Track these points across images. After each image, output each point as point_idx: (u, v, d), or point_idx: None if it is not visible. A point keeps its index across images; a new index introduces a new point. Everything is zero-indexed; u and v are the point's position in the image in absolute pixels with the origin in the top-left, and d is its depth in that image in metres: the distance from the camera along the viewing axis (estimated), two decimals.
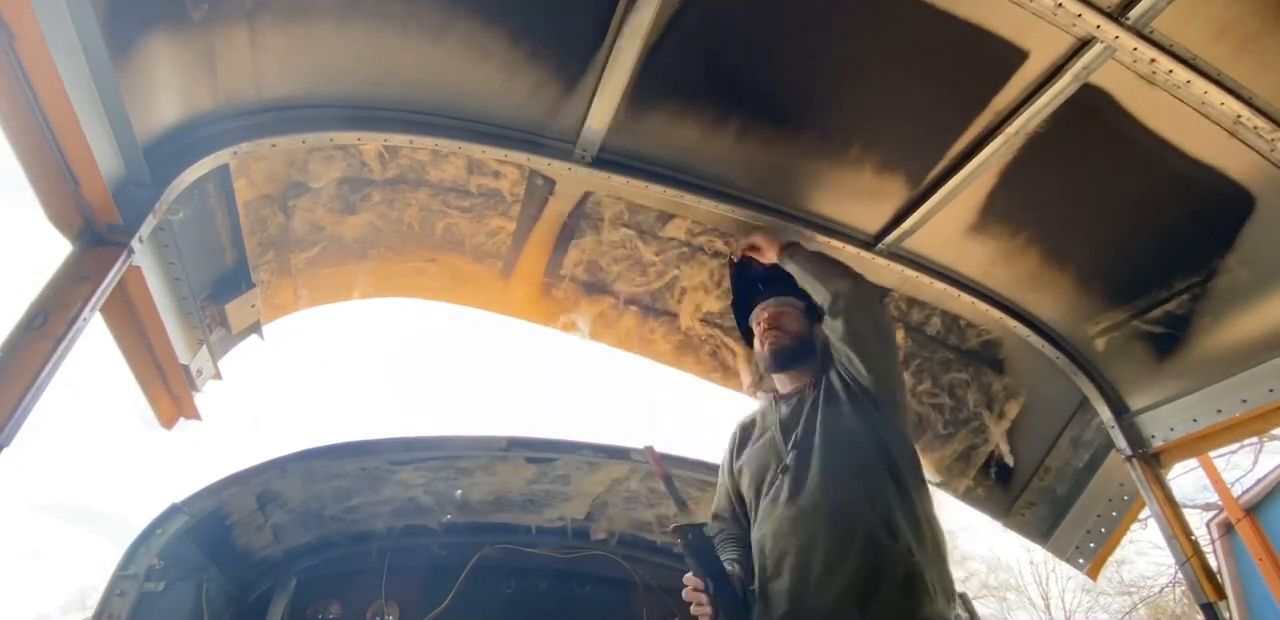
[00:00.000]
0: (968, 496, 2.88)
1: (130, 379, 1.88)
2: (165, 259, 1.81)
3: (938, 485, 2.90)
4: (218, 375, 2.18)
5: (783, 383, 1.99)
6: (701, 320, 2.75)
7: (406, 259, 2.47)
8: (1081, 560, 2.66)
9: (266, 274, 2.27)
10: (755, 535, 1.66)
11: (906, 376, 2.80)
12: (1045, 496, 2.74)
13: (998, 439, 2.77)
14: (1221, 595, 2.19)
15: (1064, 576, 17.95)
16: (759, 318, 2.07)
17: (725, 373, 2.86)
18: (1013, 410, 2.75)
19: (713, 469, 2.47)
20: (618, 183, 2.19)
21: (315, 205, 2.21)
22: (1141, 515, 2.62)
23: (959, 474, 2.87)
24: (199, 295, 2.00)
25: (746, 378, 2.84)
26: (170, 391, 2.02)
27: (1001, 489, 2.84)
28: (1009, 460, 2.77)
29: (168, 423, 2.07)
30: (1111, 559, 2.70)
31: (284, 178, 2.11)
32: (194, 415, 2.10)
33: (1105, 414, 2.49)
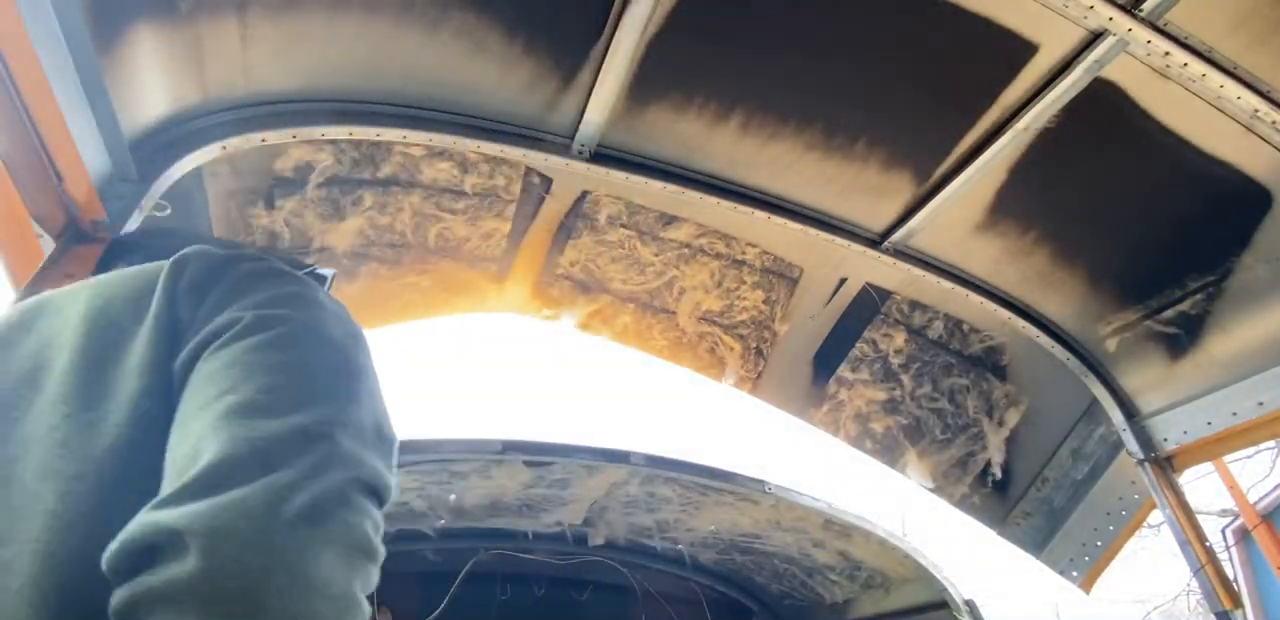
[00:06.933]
0: (963, 504, 2.83)
1: None
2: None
3: (933, 491, 2.85)
4: None
5: None
6: (700, 318, 2.71)
7: (398, 274, 2.42)
8: (1075, 573, 2.61)
9: None
10: None
11: (906, 379, 2.76)
12: (1042, 507, 2.69)
13: (996, 447, 2.72)
14: (1238, 603, 2.13)
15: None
16: None
17: (723, 369, 2.82)
18: (1013, 418, 2.70)
19: (714, 474, 2.42)
20: (617, 179, 2.14)
21: (304, 208, 2.16)
22: (1154, 521, 2.57)
23: (955, 481, 2.83)
24: None
25: (742, 375, 2.80)
26: None
27: (998, 498, 2.79)
28: (1006, 469, 2.72)
29: None
30: (1124, 567, 2.65)
31: (270, 172, 2.06)
32: None
33: (1116, 417, 2.43)
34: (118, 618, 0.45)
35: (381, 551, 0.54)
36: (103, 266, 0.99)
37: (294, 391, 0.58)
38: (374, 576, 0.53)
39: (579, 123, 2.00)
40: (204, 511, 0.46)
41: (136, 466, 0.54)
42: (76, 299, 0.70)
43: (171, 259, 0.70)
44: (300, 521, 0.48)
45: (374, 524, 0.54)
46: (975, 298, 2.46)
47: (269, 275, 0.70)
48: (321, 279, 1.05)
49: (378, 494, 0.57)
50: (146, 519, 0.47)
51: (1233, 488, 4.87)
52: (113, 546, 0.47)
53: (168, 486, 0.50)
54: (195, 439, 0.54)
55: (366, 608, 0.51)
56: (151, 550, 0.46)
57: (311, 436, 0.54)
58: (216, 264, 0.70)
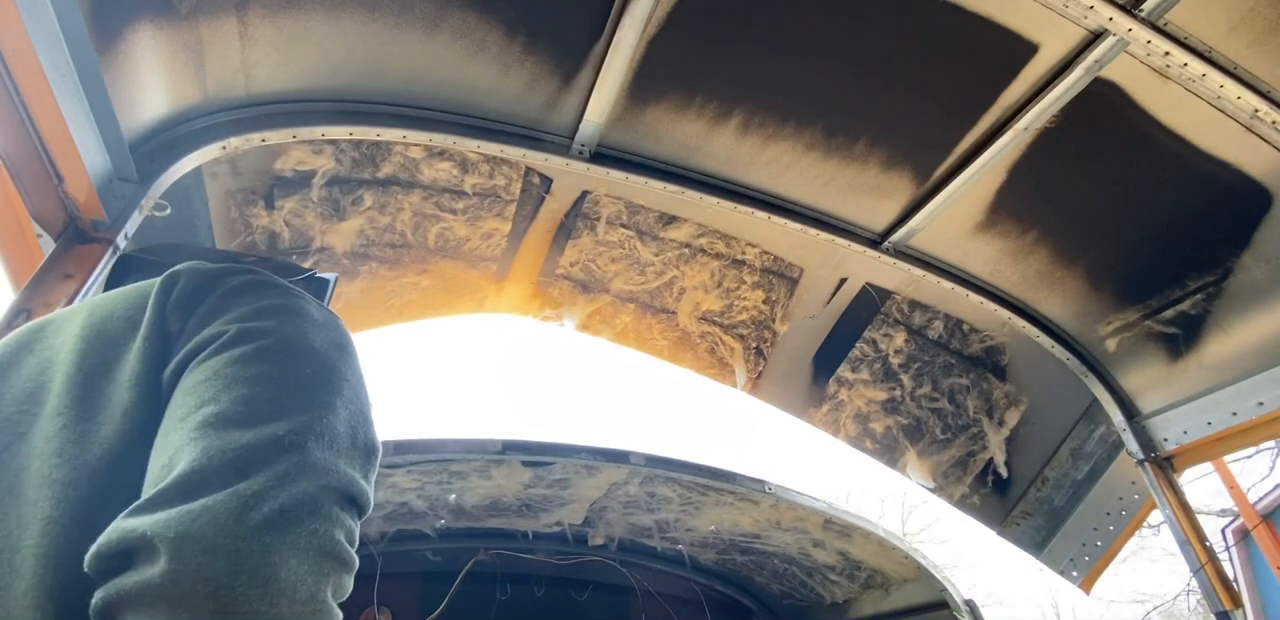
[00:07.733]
0: (963, 504, 2.83)
1: None
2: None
3: (933, 491, 2.85)
4: None
5: None
6: (700, 318, 2.71)
7: (398, 274, 2.41)
8: (1075, 573, 2.60)
9: None
10: None
11: (906, 379, 2.76)
12: (1042, 507, 2.69)
13: (996, 447, 2.73)
14: (1238, 603, 2.13)
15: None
16: None
17: (722, 369, 2.82)
18: (1013, 418, 2.70)
19: (714, 474, 2.42)
20: (616, 179, 2.14)
21: (304, 208, 2.16)
22: (1154, 521, 2.58)
23: (955, 481, 2.83)
24: None
25: (741, 375, 2.79)
26: None
27: (998, 498, 2.79)
28: (1006, 469, 2.72)
29: None
30: (1124, 567, 2.65)
31: (270, 172, 2.06)
32: None
33: (1116, 417, 2.43)
34: (97, 617, 0.47)
35: (354, 558, 0.55)
36: (114, 283, 1.00)
37: (269, 402, 0.58)
38: (347, 583, 0.54)
39: (579, 122, 2.00)
40: (174, 518, 0.48)
41: (126, 474, 0.56)
42: (75, 318, 0.72)
43: (163, 275, 0.71)
44: (266, 528, 0.49)
45: (345, 531, 0.55)
46: (975, 298, 2.46)
47: (256, 288, 0.71)
48: (323, 283, 1.05)
49: (354, 502, 0.57)
50: (121, 525, 0.49)
51: (1233, 488, 4.88)
52: (91, 550, 0.49)
53: (144, 494, 0.52)
54: (173, 450, 0.55)
55: (337, 613, 0.52)
56: (126, 554, 0.48)
57: (283, 446, 0.55)
58: (206, 279, 0.71)
